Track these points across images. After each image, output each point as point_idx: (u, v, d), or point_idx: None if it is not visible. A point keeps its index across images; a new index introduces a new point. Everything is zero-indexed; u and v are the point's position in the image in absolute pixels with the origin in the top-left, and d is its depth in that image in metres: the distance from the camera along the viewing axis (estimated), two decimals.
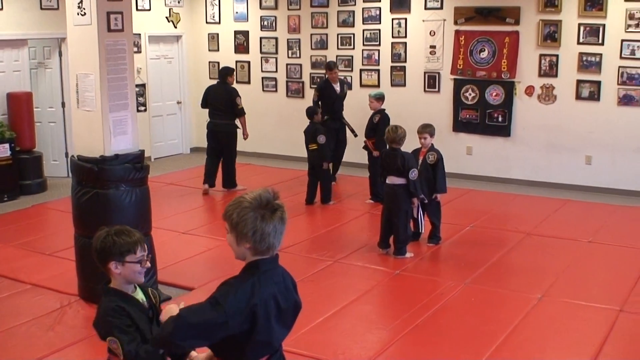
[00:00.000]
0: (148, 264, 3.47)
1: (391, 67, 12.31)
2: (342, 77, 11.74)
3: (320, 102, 10.95)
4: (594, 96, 10.80)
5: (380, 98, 10.17)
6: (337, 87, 11.04)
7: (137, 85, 12.18)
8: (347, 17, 12.55)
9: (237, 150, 11.05)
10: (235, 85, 11.19)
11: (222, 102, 10.80)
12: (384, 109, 10.11)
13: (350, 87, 11.39)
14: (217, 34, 13.93)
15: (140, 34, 12.85)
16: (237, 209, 2.98)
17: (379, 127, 9.58)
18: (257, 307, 2.96)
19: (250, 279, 3.00)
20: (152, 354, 3.22)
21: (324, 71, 12.77)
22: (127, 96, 6.57)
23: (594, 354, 5.57)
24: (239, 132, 10.95)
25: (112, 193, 6.31)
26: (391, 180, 7.87)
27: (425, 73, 12.03)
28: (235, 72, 11.16)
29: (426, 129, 8.23)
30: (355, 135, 10.72)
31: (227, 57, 13.80)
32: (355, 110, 11.48)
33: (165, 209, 9.48)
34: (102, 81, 6.35)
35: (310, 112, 10.31)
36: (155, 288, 6.58)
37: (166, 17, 13.62)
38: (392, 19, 12.15)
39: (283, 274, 3.18)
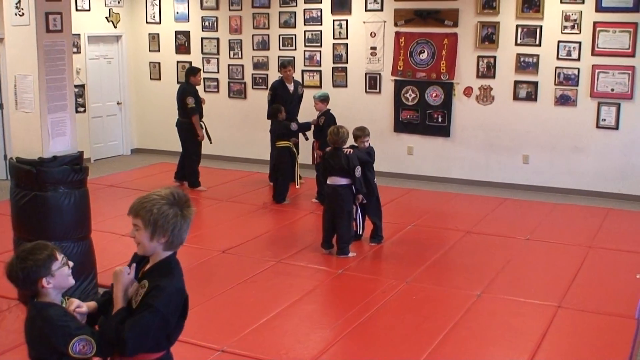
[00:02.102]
0: (71, 263, 3.45)
1: (333, 68, 12.37)
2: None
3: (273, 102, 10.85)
4: (531, 96, 11.03)
5: (324, 99, 10.20)
6: (291, 87, 10.98)
7: (76, 86, 11.97)
8: (288, 18, 12.57)
9: (197, 149, 11.06)
10: (179, 85, 11.17)
11: (178, 100, 10.99)
12: (329, 109, 10.16)
13: (303, 89, 11.35)
14: (158, 34, 13.81)
15: (79, 34, 12.67)
16: (157, 204, 3.06)
17: (324, 129, 9.58)
18: (187, 299, 3.22)
19: (174, 276, 3.16)
20: (109, 328, 3.19)
21: (266, 71, 12.83)
22: (66, 97, 6.49)
23: (532, 349, 5.69)
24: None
25: (50, 195, 6.22)
26: (333, 180, 7.92)
27: (366, 74, 12.12)
28: (197, 72, 11.12)
29: (364, 132, 8.29)
30: (307, 139, 10.73)
31: (168, 57, 13.71)
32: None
33: (105, 211, 9.36)
34: (41, 82, 6.26)
35: (274, 111, 10.34)
36: (94, 292, 6.53)
37: (106, 17, 13.45)
38: (333, 20, 12.22)
39: (180, 268, 3.33)
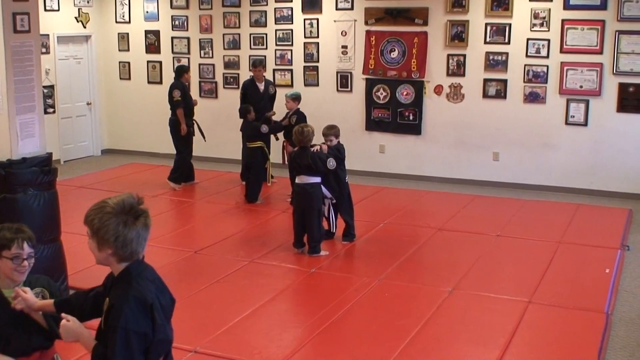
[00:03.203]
0: (25, 264, 3.55)
1: (304, 67, 12.37)
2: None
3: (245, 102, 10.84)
4: (501, 94, 11.11)
5: (296, 98, 10.21)
6: (261, 87, 10.95)
7: (45, 87, 11.88)
8: (259, 17, 12.54)
9: (186, 146, 11.06)
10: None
11: (168, 97, 11.01)
12: (298, 108, 10.17)
13: (275, 88, 11.34)
14: (127, 34, 13.71)
15: (48, 35, 12.55)
16: (99, 214, 2.96)
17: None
18: (153, 306, 2.99)
19: (130, 287, 2.99)
20: None
21: (237, 71, 12.81)
22: (34, 98, 6.44)
23: (504, 344, 5.75)
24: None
25: (20, 197, 6.17)
26: (302, 179, 7.93)
27: (337, 73, 12.14)
28: (188, 70, 11.34)
29: (331, 131, 8.34)
30: (277, 139, 10.72)
31: (138, 57, 13.63)
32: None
33: (76, 213, 9.21)
34: (9, 83, 6.21)
35: (242, 111, 10.35)
36: (65, 294, 6.47)
37: (75, 17, 13.33)
38: (304, 19, 12.21)
39: (155, 273, 3.19)
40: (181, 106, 10.82)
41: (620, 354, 5.70)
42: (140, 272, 3.05)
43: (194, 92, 13.14)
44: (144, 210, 3.01)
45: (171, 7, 13.23)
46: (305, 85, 12.29)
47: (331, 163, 7.86)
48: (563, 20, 10.54)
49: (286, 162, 10.24)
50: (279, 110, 10.87)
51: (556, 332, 6.04)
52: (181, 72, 11.13)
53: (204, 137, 11.21)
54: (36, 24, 6.41)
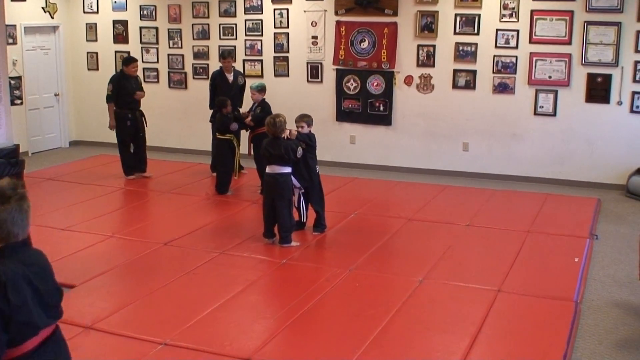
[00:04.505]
0: None
1: (274, 57, 12.33)
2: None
3: (215, 93, 10.77)
4: (470, 85, 11.16)
5: (261, 89, 10.15)
6: (230, 77, 10.89)
7: (12, 78, 11.76)
8: (228, 7, 12.48)
9: (121, 137, 10.96)
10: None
11: None
12: (264, 99, 10.10)
13: (244, 79, 11.26)
14: (95, 24, 13.57)
15: (15, 25, 12.38)
16: None
17: (260, 121, 9.52)
18: (7, 286, 3.08)
19: None
20: None
21: (206, 61, 12.74)
22: (0, 89, 6.35)
23: (474, 333, 5.78)
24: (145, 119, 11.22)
25: None
26: (272, 169, 7.91)
27: (308, 63, 12.11)
28: (130, 63, 11.00)
29: (303, 119, 8.34)
30: (247, 130, 10.69)
31: (106, 47, 13.50)
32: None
33: (44, 205, 9.18)
34: None
35: (219, 104, 10.26)
36: None
37: (42, 8, 13.17)
38: (274, 9, 12.17)
39: (37, 258, 3.33)
40: (110, 101, 10.78)
41: (589, 341, 5.76)
42: (14, 253, 3.20)
43: (163, 83, 13.09)
44: (17, 194, 3.18)
45: None
46: (276, 75, 12.25)
47: (299, 152, 7.87)
48: (532, 11, 10.60)
49: (252, 153, 10.18)
50: (245, 102, 10.81)
51: (525, 321, 6.08)
52: (122, 64, 11.09)
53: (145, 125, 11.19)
54: (2, 14, 6.34)
